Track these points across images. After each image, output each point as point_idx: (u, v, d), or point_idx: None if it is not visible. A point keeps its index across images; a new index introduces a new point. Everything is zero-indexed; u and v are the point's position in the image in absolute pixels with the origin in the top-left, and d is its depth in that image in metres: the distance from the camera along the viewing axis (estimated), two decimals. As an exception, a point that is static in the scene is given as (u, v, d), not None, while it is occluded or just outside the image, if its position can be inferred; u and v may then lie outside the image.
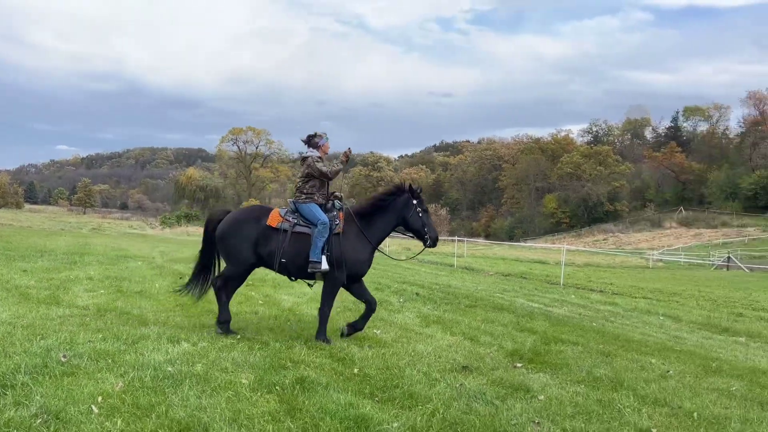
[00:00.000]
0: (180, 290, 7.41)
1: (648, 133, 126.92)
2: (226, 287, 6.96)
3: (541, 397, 5.13)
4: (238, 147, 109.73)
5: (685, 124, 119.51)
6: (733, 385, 6.23)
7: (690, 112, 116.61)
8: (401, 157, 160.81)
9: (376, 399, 4.70)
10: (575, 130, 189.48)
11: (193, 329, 6.68)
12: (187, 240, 32.91)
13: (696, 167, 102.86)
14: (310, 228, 6.76)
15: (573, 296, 15.24)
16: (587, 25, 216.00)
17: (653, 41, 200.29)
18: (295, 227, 6.80)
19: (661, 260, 43.95)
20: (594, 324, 10.16)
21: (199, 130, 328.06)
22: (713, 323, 11.55)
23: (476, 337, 7.64)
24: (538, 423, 4.52)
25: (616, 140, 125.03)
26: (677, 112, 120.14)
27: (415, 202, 6.96)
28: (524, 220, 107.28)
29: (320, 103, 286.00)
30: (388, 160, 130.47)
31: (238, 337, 6.44)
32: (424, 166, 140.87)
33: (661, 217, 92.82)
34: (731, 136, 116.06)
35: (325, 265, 6.69)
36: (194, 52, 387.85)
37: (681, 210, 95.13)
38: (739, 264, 40.62)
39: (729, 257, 41.84)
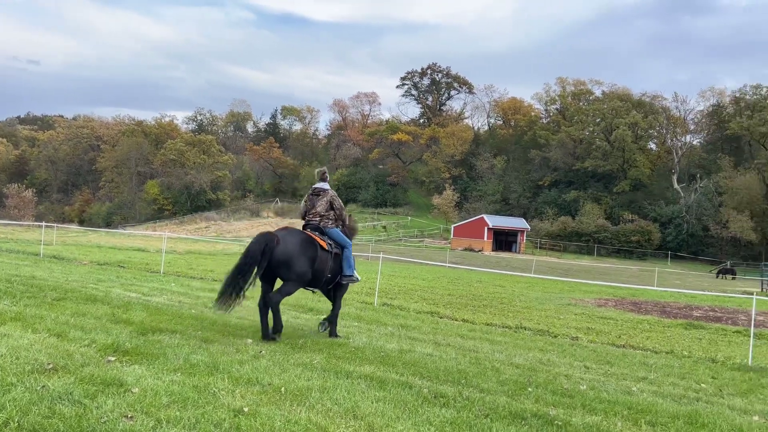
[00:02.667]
0: (214, 307, 8.07)
1: (250, 127, 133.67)
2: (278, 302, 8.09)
3: (136, 390, 4.93)
4: None
5: (282, 122, 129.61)
6: (315, 359, 6.97)
7: (287, 111, 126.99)
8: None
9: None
10: (180, 117, 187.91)
11: None
12: None
13: (291, 162, 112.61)
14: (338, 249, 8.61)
15: (173, 284, 15.07)
16: (190, 13, 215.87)
17: (254, 40, 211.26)
18: (334, 249, 8.49)
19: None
20: (193, 311, 10.22)
21: None
22: (300, 304, 12.76)
23: (64, 332, 6.93)
24: (131, 417, 4.33)
25: (220, 131, 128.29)
26: (276, 110, 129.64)
27: None
28: (124, 205, 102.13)
29: None
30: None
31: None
32: (5, 140, 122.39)
33: (259, 207, 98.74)
34: (320, 137, 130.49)
35: (358, 277, 9.02)
36: None
37: (277, 201, 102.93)
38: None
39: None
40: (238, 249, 43.94)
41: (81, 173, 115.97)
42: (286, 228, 8.54)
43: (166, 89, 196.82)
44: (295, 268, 7.96)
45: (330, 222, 8.66)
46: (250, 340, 7.73)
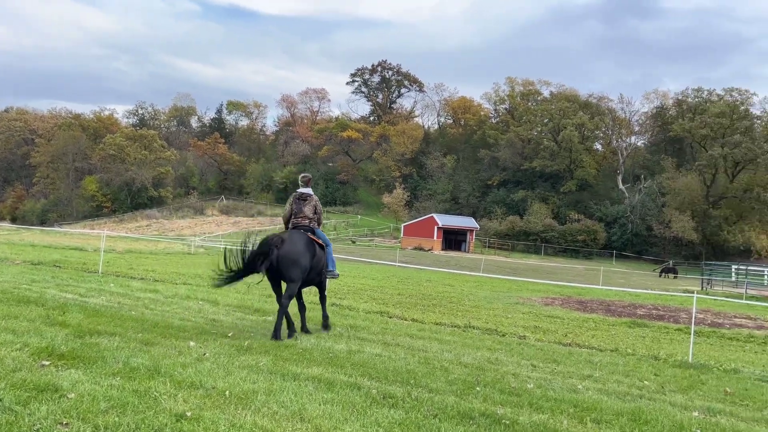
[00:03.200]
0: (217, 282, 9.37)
1: (194, 122, 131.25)
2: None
3: (72, 396, 4.78)
4: None
5: (228, 118, 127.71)
6: (261, 361, 6.90)
7: (233, 106, 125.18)
8: None
9: None
10: (121, 111, 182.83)
11: None
12: None
13: (237, 159, 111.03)
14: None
15: (113, 285, 14.67)
16: (134, 2, 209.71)
17: (200, 32, 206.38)
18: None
19: (202, 246, 45.95)
20: (133, 312, 9.99)
21: None
22: (246, 305, 12.60)
23: (-6, 336, 6.67)
24: (66, 424, 4.20)
25: (162, 126, 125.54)
26: (222, 105, 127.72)
27: None
28: (60, 202, 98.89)
29: None
30: None
31: None
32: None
33: (203, 205, 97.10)
34: (268, 133, 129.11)
35: (338, 273, 10.26)
36: None
37: (222, 198, 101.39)
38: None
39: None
40: (180, 248, 43.11)
41: (14, 168, 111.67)
42: (286, 231, 9.60)
43: (107, 81, 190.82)
44: (302, 265, 8.99)
45: (315, 224, 9.80)
46: (192, 343, 7.60)
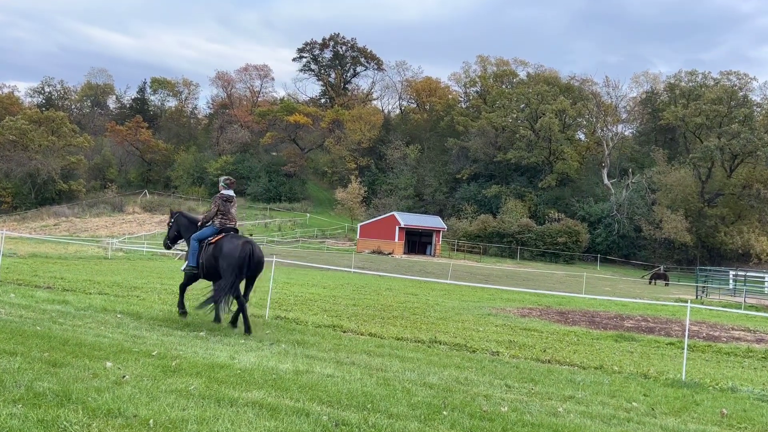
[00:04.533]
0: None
1: (111, 103, 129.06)
2: None
3: (-37, 428, 4.64)
4: None
5: (152, 98, 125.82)
6: (192, 384, 6.82)
7: (158, 84, 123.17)
8: None
9: None
10: (23, 88, 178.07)
11: None
12: None
13: (163, 147, 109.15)
14: None
15: (13, 295, 14.33)
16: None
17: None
18: None
19: (121, 249, 45.17)
20: (38, 328, 9.77)
21: None
22: (173, 318, 12.44)
23: None
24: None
25: (74, 106, 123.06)
26: (144, 83, 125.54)
27: None
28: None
29: None
30: None
31: None
32: None
33: (123, 200, 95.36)
34: (200, 116, 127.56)
35: None
36: None
37: (145, 193, 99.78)
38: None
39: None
40: (95, 251, 42.31)
41: None
42: (240, 235, 12.43)
43: (5, 53, 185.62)
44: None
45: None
46: (110, 363, 7.47)
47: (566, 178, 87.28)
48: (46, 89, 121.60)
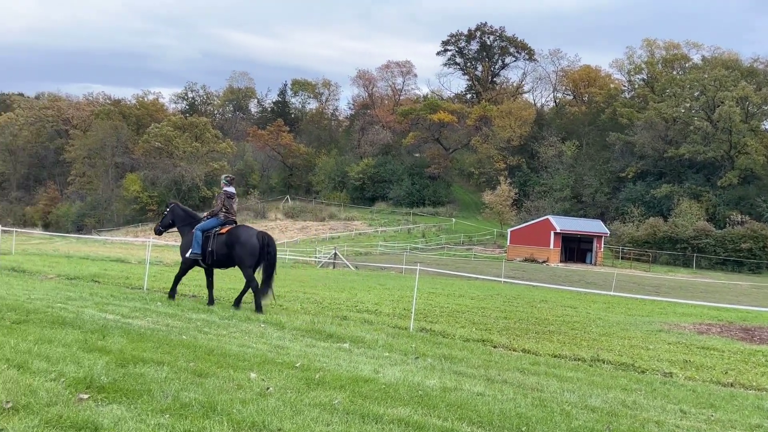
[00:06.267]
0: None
1: (253, 107, 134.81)
2: None
3: (114, 436, 5.00)
4: None
5: (293, 100, 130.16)
6: (335, 398, 6.98)
7: (298, 86, 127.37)
8: None
9: None
10: (167, 95, 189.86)
11: None
12: None
13: (304, 150, 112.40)
14: None
15: (160, 303, 15.25)
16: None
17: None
18: None
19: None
20: (184, 337, 10.32)
21: None
22: (317, 329, 12.79)
23: (26, 363, 7.08)
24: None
25: (216, 111, 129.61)
26: (285, 85, 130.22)
27: None
28: (99, 205, 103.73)
29: None
30: None
31: None
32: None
33: (265, 207, 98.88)
34: (341, 118, 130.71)
35: None
36: None
37: (287, 199, 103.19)
38: (345, 261, 46.11)
39: (335, 254, 47.17)
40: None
41: (45, 165, 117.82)
42: (246, 226, 15.01)
43: (150, 60, 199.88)
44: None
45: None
46: (254, 374, 7.78)
47: (750, 174, 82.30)
48: (190, 95, 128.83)
